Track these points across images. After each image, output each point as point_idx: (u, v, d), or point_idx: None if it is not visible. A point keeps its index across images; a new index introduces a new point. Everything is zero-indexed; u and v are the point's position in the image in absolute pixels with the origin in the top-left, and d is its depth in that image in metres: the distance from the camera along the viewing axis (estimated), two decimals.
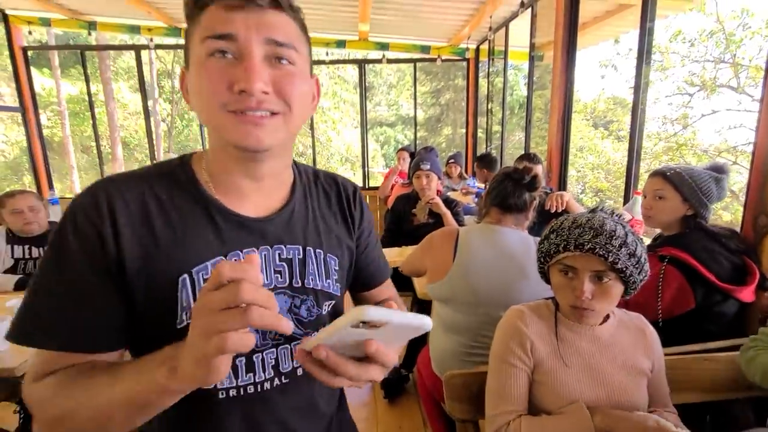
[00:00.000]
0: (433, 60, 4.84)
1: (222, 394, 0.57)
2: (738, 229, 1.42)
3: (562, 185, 2.70)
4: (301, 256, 0.62)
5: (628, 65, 8.07)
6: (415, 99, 5.30)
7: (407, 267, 1.58)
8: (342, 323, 0.38)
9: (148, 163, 1.88)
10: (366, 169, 5.29)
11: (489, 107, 4.55)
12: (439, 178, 2.48)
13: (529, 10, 3.14)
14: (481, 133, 4.97)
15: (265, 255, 0.59)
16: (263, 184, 0.60)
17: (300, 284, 0.62)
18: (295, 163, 0.68)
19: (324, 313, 0.65)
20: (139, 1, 3.63)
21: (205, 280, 0.49)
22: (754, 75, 5.52)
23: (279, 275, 0.60)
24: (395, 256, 2.39)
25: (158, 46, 4.76)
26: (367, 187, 5.24)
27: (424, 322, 0.41)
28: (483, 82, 4.88)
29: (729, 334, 1.27)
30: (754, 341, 1.08)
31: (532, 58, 3.23)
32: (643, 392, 0.90)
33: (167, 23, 4.31)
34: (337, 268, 0.67)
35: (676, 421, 0.92)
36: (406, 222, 2.58)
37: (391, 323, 0.39)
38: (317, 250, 0.64)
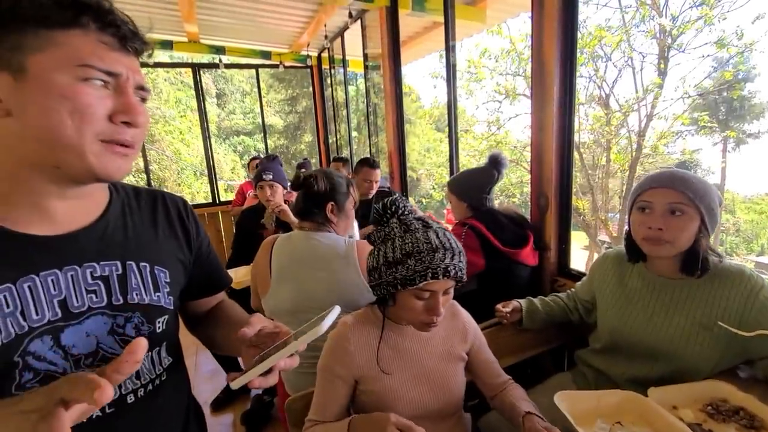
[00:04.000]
0: (276, 66, 4.72)
1: None
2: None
3: (404, 186, 2.92)
4: (120, 272, 0.60)
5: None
6: (261, 105, 5.10)
7: (253, 298, 1.44)
8: (285, 353, 0.52)
9: None
10: (215, 182, 4.83)
11: (335, 113, 4.65)
12: (285, 187, 2.40)
13: (359, 22, 3.30)
14: (340, 139, 5.04)
15: (72, 275, 0.55)
16: (76, 203, 0.57)
17: (122, 301, 0.59)
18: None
19: (157, 330, 0.63)
20: None
21: None
22: None
23: (94, 294, 0.57)
24: (245, 275, 2.22)
25: None
26: (218, 202, 4.79)
27: (334, 312, 0.58)
28: (340, 90, 4.94)
29: (528, 294, 1.52)
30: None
31: (366, 68, 3.41)
32: (461, 376, 0.97)
33: None
34: (168, 280, 0.65)
35: (522, 393, 0.98)
36: (255, 236, 2.42)
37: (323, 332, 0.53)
38: (141, 264, 0.62)
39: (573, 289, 1.34)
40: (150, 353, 0.63)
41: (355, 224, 2.22)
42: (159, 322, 0.63)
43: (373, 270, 0.89)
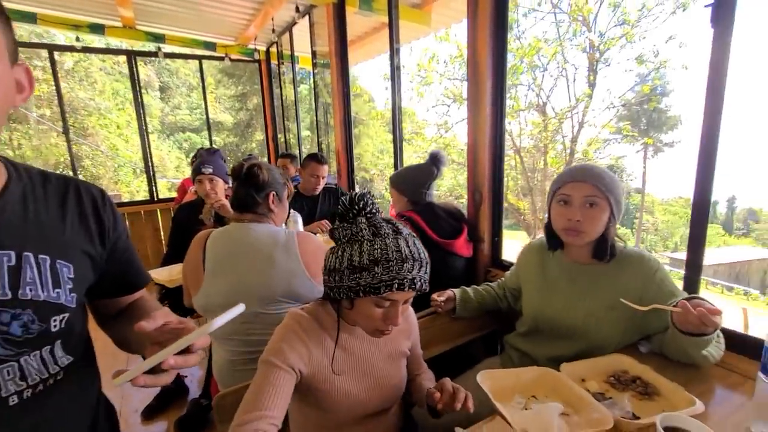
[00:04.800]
0: (221, 58, 4.54)
1: None
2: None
3: (350, 185, 2.93)
4: (13, 263, 0.54)
5: (404, 79, 9.53)
6: (205, 100, 4.86)
7: (185, 296, 1.37)
8: (172, 349, 0.49)
9: None
10: (152, 178, 4.55)
11: (284, 112, 4.55)
12: (226, 182, 2.32)
13: (307, 17, 3.27)
14: (291, 138, 4.93)
15: None
16: None
17: (10, 296, 0.54)
18: (12, 163, 0.61)
19: (52, 329, 0.58)
20: None
21: None
22: None
23: None
24: (180, 272, 2.11)
25: None
26: (156, 199, 4.52)
27: (236, 310, 0.54)
28: (290, 87, 4.84)
29: (463, 284, 1.60)
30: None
31: (315, 65, 3.38)
32: (403, 371, 0.99)
33: None
34: (71, 276, 0.60)
35: (432, 377, 1.05)
36: (193, 232, 2.31)
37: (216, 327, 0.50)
38: (41, 256, 0.57)
39: (502, 279, 1.42)
40: (39, 352, 0.57)
41: (299, 219, 2.20)
42: (54, 321, 0.58)
43: (334, 271, 0.81)
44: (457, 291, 1.38)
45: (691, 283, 1.18)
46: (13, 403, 0.55)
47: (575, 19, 6.35)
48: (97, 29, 3.88)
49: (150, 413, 2.08)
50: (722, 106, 1.06)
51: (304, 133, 4.61)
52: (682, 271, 1.20)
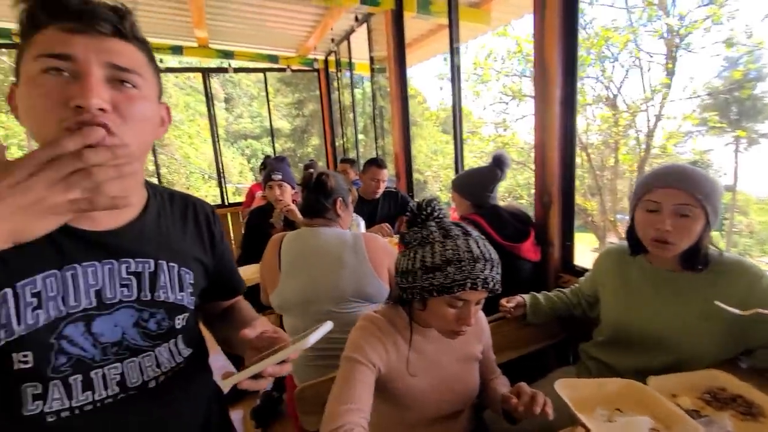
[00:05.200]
0: (283, 70, 4.80)
1: (52, 417, 0.55)
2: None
3: (410, 187, 2.95)
4: (152, 270, 0.63)
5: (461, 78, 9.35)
6: (269, 109, 5.20)
7: (262, 294, 1.48)
8: (272, 360, 0.55)
9: None
10: (223, 184, 4.92)
11: (342, 116, 4.70)
12: (293, 187, 2.45)
13: (365, 25, 3.35)
14: (346, 142, 5.10)
15: (109, 268, 0.59)
16: None
17: (149, 297, 0.63)
18: (150, 185, 0.70)
19: (177, 326, 0.67)
20: None
21: (33, 294, 0.52)
22: None
23: (126, 288, 0.61)
24: (253, 272, 2.27)
25: None
26: (226, 204, 4.88)
27: (326, 328, 0.62)
28: (346, 93, 5.01)
29: (532, 289, 1.55)
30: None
31: (373, 70, 3.45)
32: (476, 375, 0.99)
33: None
34: (191, 281, 0.69)
35: (506, 382, 1.04)
36: (264, 235, 2.47)
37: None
38: (170, 264, 0.65)
39: (576, 285, 1.35)
40: (168, 344, 0.66)
41: (362, 222, 2.26)
42: (178, 319, 0.67)
43: (407, 272, 0.84)
44: (527, 297, 1.34)
45: None
46: (152, 387, 0.64)
47: (650, 3, 5.84)
48: (177, 50, 4.29)
49: (228, 401, 2.25)
50: None
51: (359, 136, 4.72)
52: None
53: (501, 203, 1.73)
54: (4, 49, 4.04)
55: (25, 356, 0.53)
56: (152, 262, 0.63)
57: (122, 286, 0.60)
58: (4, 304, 0.51)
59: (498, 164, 1.68)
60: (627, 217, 1.13)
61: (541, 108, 1.60)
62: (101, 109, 0.49)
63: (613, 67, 6.36)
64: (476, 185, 1.69)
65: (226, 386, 0.55)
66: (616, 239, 6.95)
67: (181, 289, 0.67)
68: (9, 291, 0.51)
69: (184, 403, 0.70)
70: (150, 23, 3.61)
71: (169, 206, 0.71)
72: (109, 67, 0.51)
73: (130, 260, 0.61)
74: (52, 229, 0.42)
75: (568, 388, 0.88)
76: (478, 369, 1.00)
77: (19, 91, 0.53)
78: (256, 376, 0.57)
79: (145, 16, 3.37)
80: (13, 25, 4.00)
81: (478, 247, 0.81)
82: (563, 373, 1.29)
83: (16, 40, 0.54)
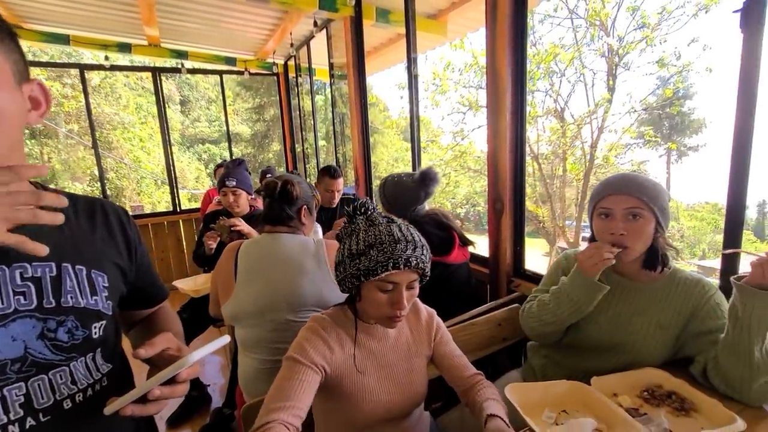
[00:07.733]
0: (241, 73, 4.66)
1: None
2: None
3: (369, 193, 2.94)
4: (54, 274, 0.58)
5: (420, 88, 9.56)
6: (226, 113, 5.00)
7: (211, 305, 1.41)
8: (156, 380, 0.50)
9: None
10: (176, 190, 4.67)
11: (302, 122, 4.63)
12: (249, 193, 2.36)
13: (325, 31, 3.33)
14: (308, 148, 5.01)
15: None
16: None
17: (54, 304, 0.57)
18: (43, 186, 0.65)
19: (94, 336, 0.61)
20: None
21: None
22: None
23: (22, 296, 0.55)
24: (204, 282, 2.16)
25: None
26: (179, 210, 4.63)
27: (222, 341, 0.56)
28: (307, 99, 4.93)
29: (474, 292, 1.65)
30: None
31: (332, 77, 3.43)
32: (424, 374, 0.98)
33: None
34: (105, 284, 0.64)
35: (495, 392, 0.93)
36: (220, 243, 2.35)
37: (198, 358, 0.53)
38: (77, 267, 0.60)
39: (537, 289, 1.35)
40: (84, 358, 0.60)
41: (319, 228, 2.22)
42: (95, 328, 0.62)
43: (338, 264, 0.89)
44: None
45: (726, 292, 1.13)
46: (68, 407, 0.58)
47: (593, 24, 6.28)
48: (125, 48, 4.04)
49: (175, 421, 2.12)
50: (755, 109, 1.03)
51: (320, 143, 4.67)
52: (713, 280, 1.14)
53: (426, 207, 1.73)
54: None
55: None
56: (53, 265, 0.58)
57: (17, 294, 0.54)
58: None
59: (423, 184, 1.65)
60: (575, 224, 1.17)
61: (493, 118, 1.66)
62: None
63: (561, 81, 6.76)
64: (400, 201, 1.68)
65: (107, 413, 0.50)
66: (564, 244, 7.32)
67: (94, 293, 0.62)
68: None
69: (106, 428, 0.63)
70: (94, 18, 3.38)
71: (71, 209, 0.65)
72: None
73: (26, 264, 0.55)
74: None
75: (517, 392, 0.90)
76: (425, 367, 0.99)
77: None
78: (143, 400, 0.51)
79: (87, 9, 3.15)
80: None
81: (401, 231, 0.85)
82: (511, 377, 1.32)
83: None
